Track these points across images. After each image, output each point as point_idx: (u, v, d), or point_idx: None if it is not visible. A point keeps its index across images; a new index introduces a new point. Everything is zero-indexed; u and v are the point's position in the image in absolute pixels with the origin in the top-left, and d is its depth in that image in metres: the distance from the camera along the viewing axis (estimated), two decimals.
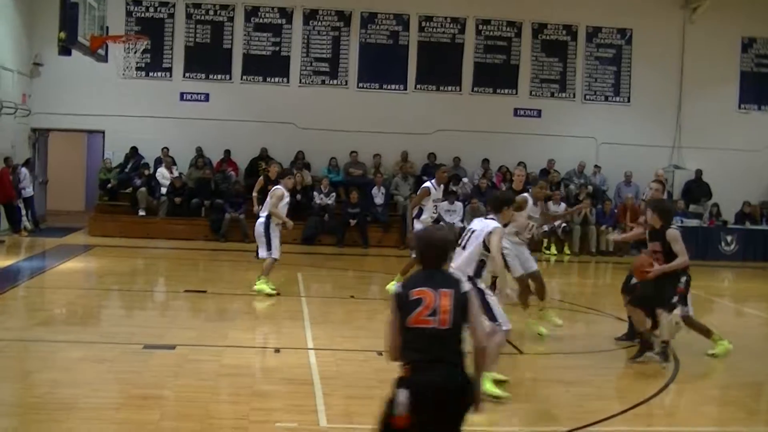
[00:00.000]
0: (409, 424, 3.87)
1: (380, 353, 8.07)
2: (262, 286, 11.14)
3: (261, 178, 13.76)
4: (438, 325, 3.99)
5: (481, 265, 6.79)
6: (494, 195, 7.79)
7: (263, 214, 11.28)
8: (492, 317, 6.77)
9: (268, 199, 11.31)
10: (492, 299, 6.90)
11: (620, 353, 8.44)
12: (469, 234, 6.99)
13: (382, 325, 9.87)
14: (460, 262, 6.77)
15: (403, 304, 4.05)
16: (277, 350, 8.08)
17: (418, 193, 11.78)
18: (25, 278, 12.65)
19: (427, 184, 11.35)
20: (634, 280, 8.63)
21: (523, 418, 6.39)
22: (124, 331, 8.94)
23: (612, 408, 6.64)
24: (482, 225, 6.94)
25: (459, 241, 7.04)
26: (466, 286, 4.17)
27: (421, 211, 11.14)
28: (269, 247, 11.09)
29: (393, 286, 10.89)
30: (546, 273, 12.37)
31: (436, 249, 4.19)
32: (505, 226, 7.28)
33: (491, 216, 7.06)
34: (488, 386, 6.55)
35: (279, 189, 11.23)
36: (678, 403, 7.10)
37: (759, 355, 9.52)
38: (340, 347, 8.42)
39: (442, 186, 11.54)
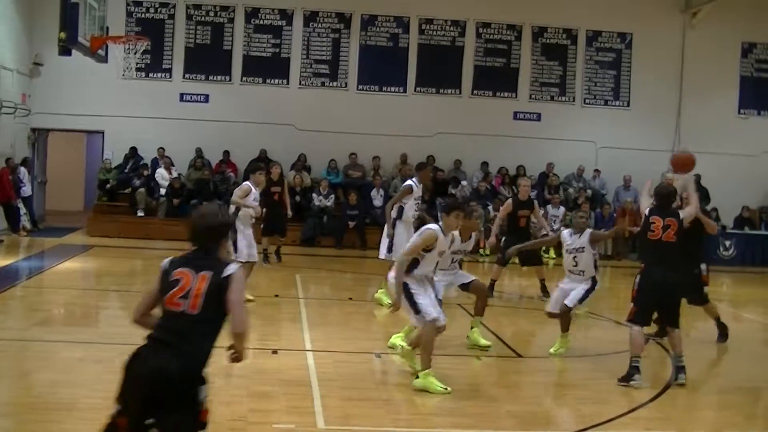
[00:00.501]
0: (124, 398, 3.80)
1: (378, 355, 8.09)
2: None
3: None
4: (187, 309, 3.84)
5: (414, 263, 7.02)
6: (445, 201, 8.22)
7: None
8: (416, 310, 6.93)
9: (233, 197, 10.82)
10: (418, 293, 6.99)
11: (618, 357, 8.43)
12: None
13: (380, 327, 9.94)
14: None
15: (165, 283, 3.95)
16: (275, 352, 8.06)
17: (399, 191, 11.34)
18: (24, 278, 12.65)
19: (409, 182, 10.90)
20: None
21: (521, 421, 6.39)
22: (122, 331, 8.85)
23: (609, 412, 6.64)
24: (423, 228, 7.29)
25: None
26: (231, 269, 3.93)
27: (402, 210, 10.73)
28: (235, 249, 10.27)
29: (382, 296, 10.91)
30: (545, 276, 12.33)
31: (202, 228, 4.04)
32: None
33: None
34: (432, 383, 6.80)
35: (246, 184, 10.85)
36: (675, 407, 7.10)
37: (757, 359, 9.55)
38: (338, 349, 8.42)
39: (422, 185, 10.95)
